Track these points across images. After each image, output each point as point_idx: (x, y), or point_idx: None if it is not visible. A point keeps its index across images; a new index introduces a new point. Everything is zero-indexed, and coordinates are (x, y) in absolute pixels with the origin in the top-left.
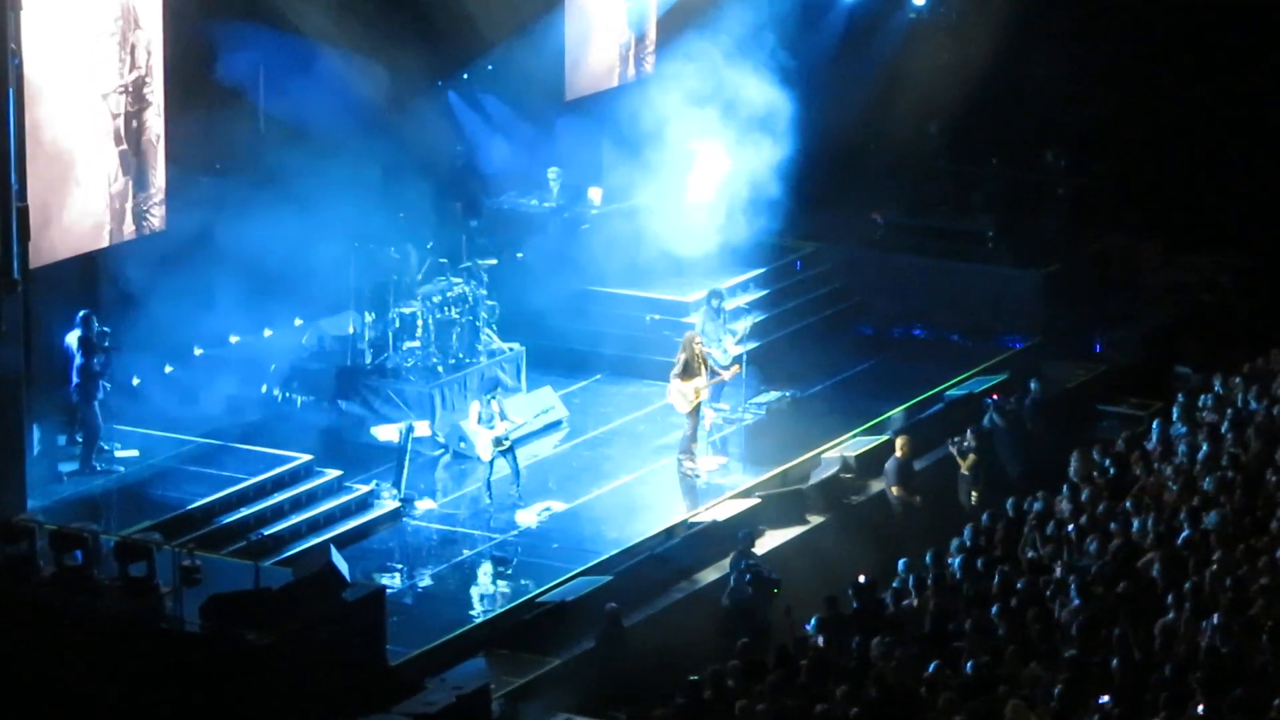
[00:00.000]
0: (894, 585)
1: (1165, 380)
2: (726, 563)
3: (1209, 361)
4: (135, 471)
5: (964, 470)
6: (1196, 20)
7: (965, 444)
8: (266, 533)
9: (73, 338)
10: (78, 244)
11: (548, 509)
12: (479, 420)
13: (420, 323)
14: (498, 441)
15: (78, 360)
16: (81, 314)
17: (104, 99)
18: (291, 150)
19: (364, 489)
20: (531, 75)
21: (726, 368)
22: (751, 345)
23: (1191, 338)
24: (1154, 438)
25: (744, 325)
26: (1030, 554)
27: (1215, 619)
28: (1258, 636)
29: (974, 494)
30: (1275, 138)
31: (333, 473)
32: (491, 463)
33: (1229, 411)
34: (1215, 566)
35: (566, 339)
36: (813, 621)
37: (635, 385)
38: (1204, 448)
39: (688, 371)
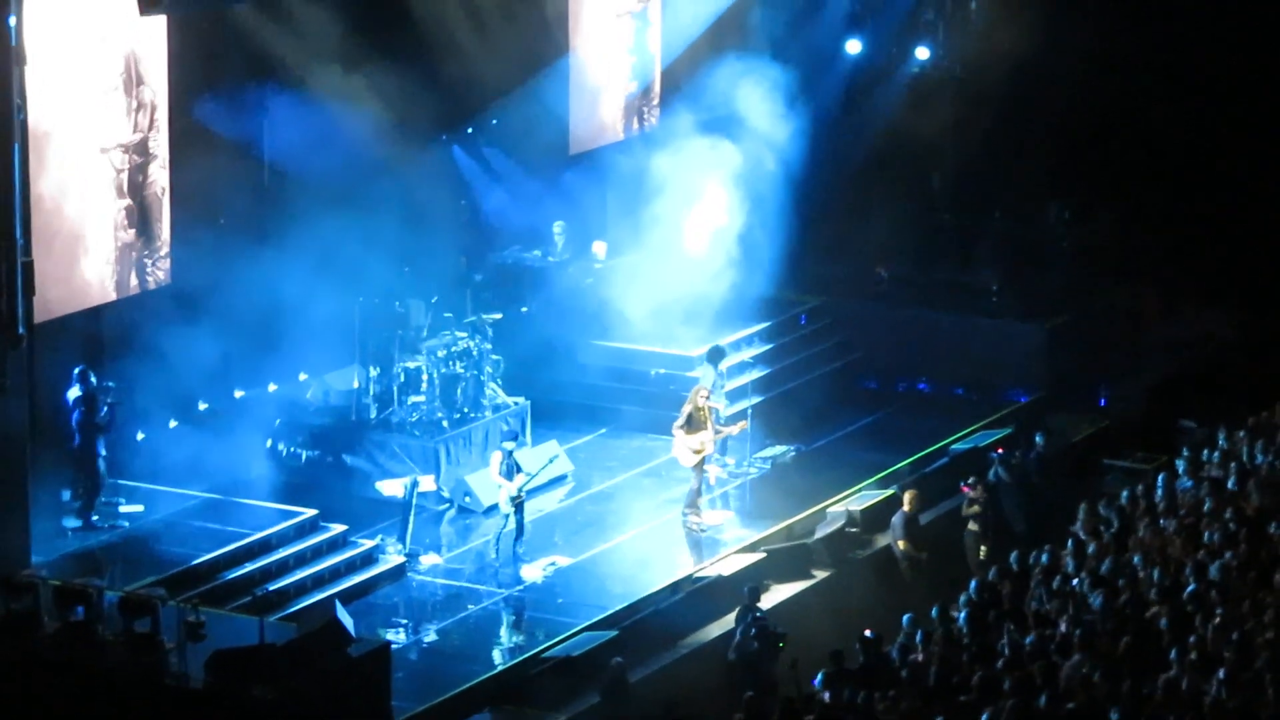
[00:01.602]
0: (900, 640)
1: (1170, 434)
2: (732, 617)
3: (1213, 415)
4: (139, 526)
5: (971, 527)
6: (1197, 75)
7: (974, 494)
8: (271, 588)
9: (73, 392)
10: (83, 298)
11: (553, 563)
12: (500, 471)
13: (425, 377)
14: (516, 493)
15: (77, 415)
16: (78, 369)
17: (108, 153)
18: (296, 204)
19: (369, 544)
20: (536, 129)
21: (731, 423)
22: (755, 400)
23: (1196, 391)
24: (1159, 491)
25: (739, 384)
26: (1036, 608)
27: (1221, 673)
28: (1263, 690)
29: (983, 549)
30: (1278, 191)
31: (338, 527)
32: (508, 515)
33: (1233, 465)
34: (1220, 620)
35: (571, 393)
36: (819, 676)
37: (640, 439)
38: (1208, 502)
39: (692, 425)
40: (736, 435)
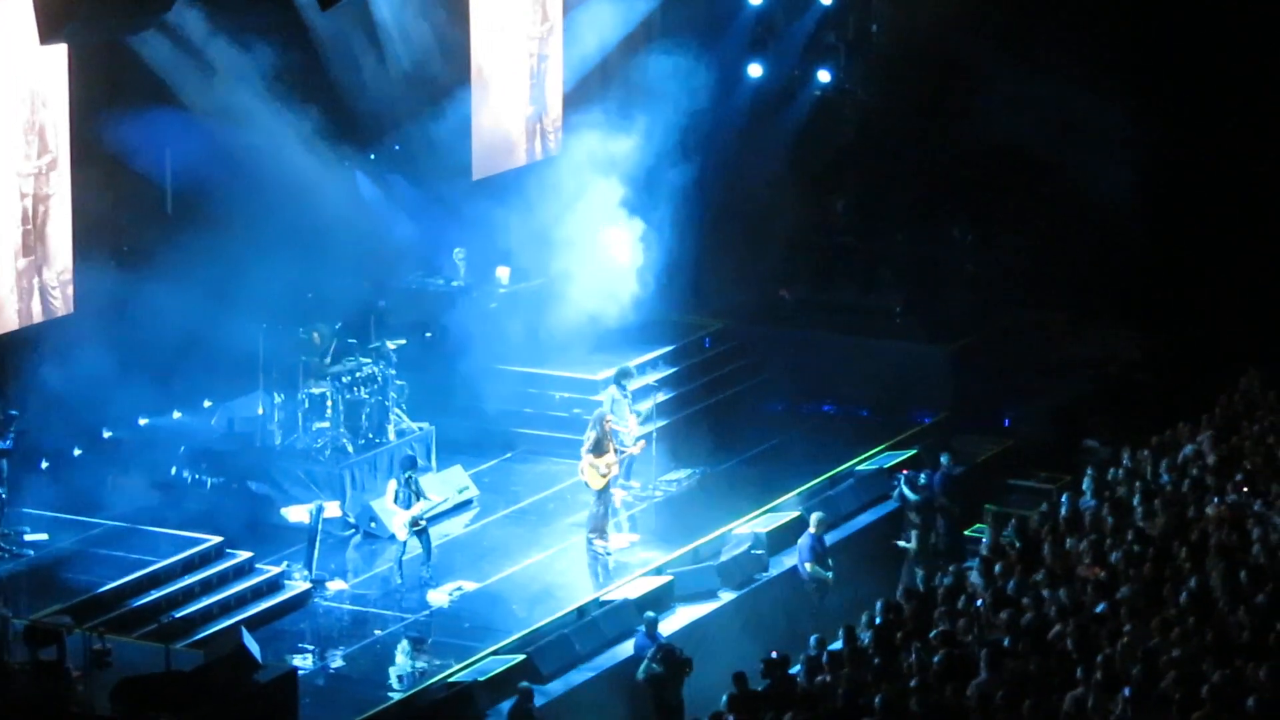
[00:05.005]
0: (806, 660)
1: (1074, 454)
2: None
3: (1117, 435)
4: (44, 555)
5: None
6: (1100, 96)
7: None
8: (177, 615)
9: None
10: None
11: (459, 588)
12: (395, 499)
13: (329, 403)
14: (413, 521)
15: None
16: None
17: (10, 180)
18: (198, 232)
19: (275, 570)
20: (438, 155)
21: (632, 444)
22: (660, 423)
23: (1100, 411)
24: (1063, 511)
25: (647, 405)
26: (942, 628)
27: (1126, 692)
28: (1168, 709)
29: (919, 571)
30: (1179, 212)
31: (243, 554)
32: (405, 542)
33: (1138, 484)
34: (1126, 639)
35: (476, 418)
36: (724, 699)
37: (545, 464)
38: (1111, 520)
39: (599, 449)
40: (640, 458)
